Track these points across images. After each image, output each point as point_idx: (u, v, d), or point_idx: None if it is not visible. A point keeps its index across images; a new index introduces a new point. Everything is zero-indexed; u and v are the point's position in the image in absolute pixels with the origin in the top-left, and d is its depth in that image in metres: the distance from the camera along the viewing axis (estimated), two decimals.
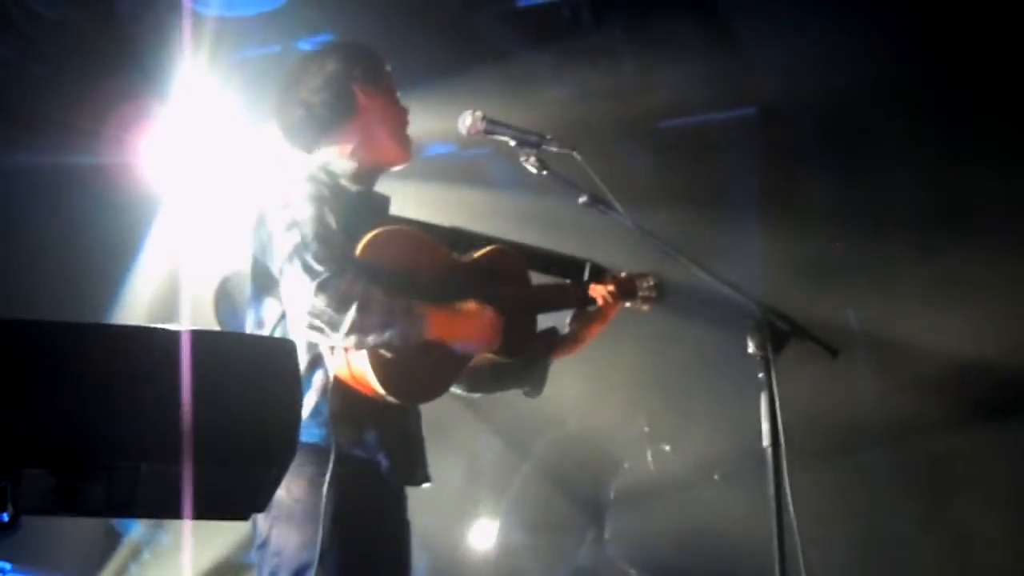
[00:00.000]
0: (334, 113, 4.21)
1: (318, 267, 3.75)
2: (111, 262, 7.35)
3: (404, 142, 4.30)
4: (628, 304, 4.75)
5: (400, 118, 4.31)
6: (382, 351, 3.80)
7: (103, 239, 7.39)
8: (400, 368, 3.85)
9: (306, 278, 3.74)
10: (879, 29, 6.84)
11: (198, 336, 2.34)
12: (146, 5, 7.04)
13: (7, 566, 6.21)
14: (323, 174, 4.07)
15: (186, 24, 6.97)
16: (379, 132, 4.23)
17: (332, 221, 3.88)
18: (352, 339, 3.76)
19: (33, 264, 7.10)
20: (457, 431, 7.86)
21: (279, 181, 4.03)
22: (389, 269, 3.91)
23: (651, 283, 4.76)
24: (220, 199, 7.34)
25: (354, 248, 3.88)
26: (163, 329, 2.41)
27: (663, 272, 4.73)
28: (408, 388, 3.92)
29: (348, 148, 4.19)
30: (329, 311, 3.71)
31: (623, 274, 4.74)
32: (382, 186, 4.32)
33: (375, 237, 3.93)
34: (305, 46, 7.49)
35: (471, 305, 4.07)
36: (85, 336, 2.29)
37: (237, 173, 7.28)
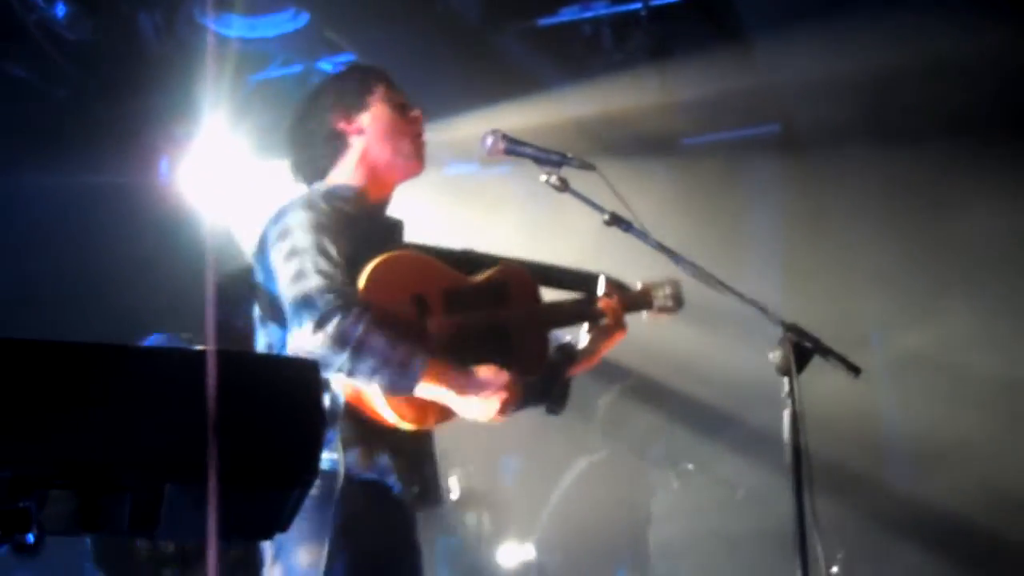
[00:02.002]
0: (326, 157, 4.20)
1: (318, 301, 3.71)
2: (135, 281, 7.37)
3: (410, 154, 4.21)
4: (646, 315, 4.74)
5: (397, 129, 4.21)
6: None
7: (127, 258, 7.42)
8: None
9: (305, 313, 3.72)
10: (902, 46, 6.84)
11: (222, 357, 2.34)
12: (168, 27, 7.08)
13: None
14: (324, 202, 4.02)
15: (208, 45, 7.01)
16: (375, 154, 4.17)
17: (333, 250, 3.84)
18: (339, 376, 3.75)
19: (56, 284, 7.13)
20: (479, 451, 7.86)
21: (279, 209, 4.03)
22: (393, 295, 3.89)
23: (667, 292, 4.73)
24: (242, 216, 7.38)
25: (358, 277, 3.87)
26: (187, 350, 2.42)
27: (684, 290, 4.70)
28: (417, 413, 3.89)
29: (352, 177, 4.18)
30: (323, 350, 3.67)
31: (639, 285, 4.73)
32: (400, 208, 4.31)
33: (377, 267, 3.90)
34: (326, 66, 7.52)
35: (486, 369, 3.95)
36: (109, 356, 2.30)
37: (256, 193, 7.32)
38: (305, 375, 2.47)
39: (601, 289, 4.58)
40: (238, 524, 2.48)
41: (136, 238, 7.47)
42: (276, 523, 2.53)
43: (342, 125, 4.19)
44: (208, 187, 7.54)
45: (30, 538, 2.21)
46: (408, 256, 4.10)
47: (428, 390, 3.81)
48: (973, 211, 7.30)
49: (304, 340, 3.70)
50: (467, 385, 3.88)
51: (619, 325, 4.53)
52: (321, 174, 4.20)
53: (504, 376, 3.94)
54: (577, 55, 7.72)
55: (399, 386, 3.76)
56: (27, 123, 7.41)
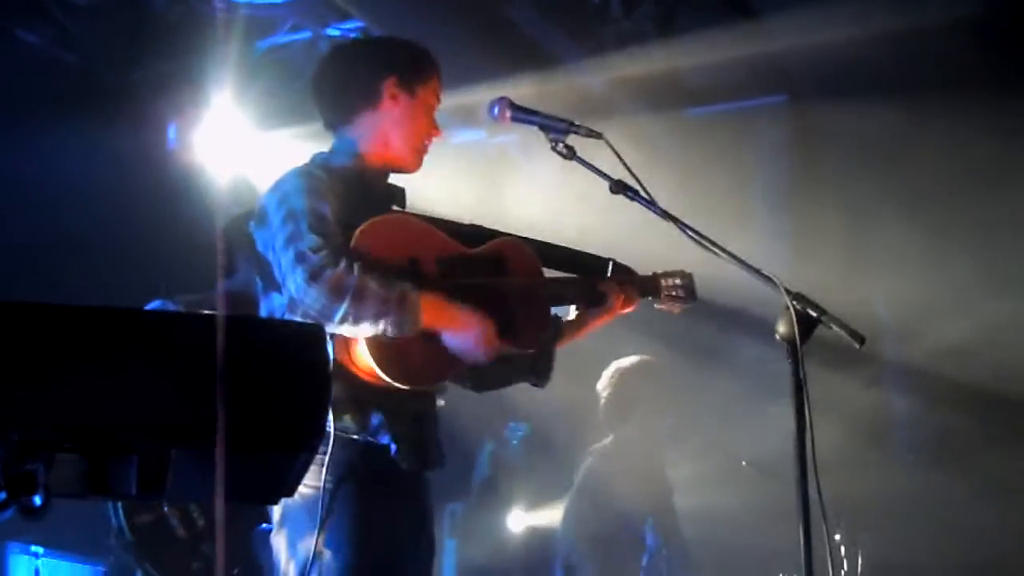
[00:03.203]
0: (357, 101, 4.20)
1: (312, 256, 3.74)
2: (144, 246, 7.39)
3: (414, 151, 4.22)
4: (656, 305, 4.70)
5: (421, 128, 4.22)
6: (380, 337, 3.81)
7: (136, 223, 7.43)
8: (399, 351, 3.84)
9: (299, 269, 3.74)
10: (911, 16, 6.83)
11: (229, 321, 2.36)
12: None
13: (39, 550, 6.25)
14: (320, 171, 4.05)
15: (218, 11, 7.01)
16: (393, 134, 4.18)
17: (328, 212, 3.87)
18: (345, 328, 3.76)
19: (64, 248, 7.14)
20: (486, 417, 7.88)
21: (277, 179, 4.04)
22: (385, 256, 3.89)
23: (677, 282, 4.68)
24: (250, 180, 7.40)
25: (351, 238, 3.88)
26: (196, 315, 2.43)
27: (690, 260, 4.65)
28: (409, 372, 3.88)
29: (361, 138, 4.19)
30: (322, 301, 3.70)
31: (650, 273, 4.68)
32: (406, 176, 4.30)
33: (370, 225, 3.91)
34: (334, 32, 7.52)
35: (473, 306, 4.00)
36: (117, 321, 2.31)
37: (263, 157, 7.33)
38: (311, 339, 2.48)
39: (609, 274, 4.53)
40: (244, 488, 2.50)
41: (144, 204, 7.48)
42: (282, 487, 2.54)
43: (388, 89, 4.19)
44: (216, 152, 7.55)
45: (37, 501, 2.22)
46: (404, 219, 4.10)
47: (426, 322, 3.85)
48: (983, 177, 7.30)
49: (302, 295, 3.72)
50: (456, 313, 3.94)
51: (617, 309, 4.49)
52: (340, 122, 4.22)
53: (491, 322, 3.99)
54: (586, 24, 7.71)
55: (405, 324, 3.79)
56: (37, 89, 7.42)
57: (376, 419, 3.92)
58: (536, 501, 7.50)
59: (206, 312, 2.34)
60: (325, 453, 3.80)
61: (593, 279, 4.49)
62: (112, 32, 7.40)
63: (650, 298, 4.67)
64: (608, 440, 7.23)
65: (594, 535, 6.93)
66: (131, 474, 2.35)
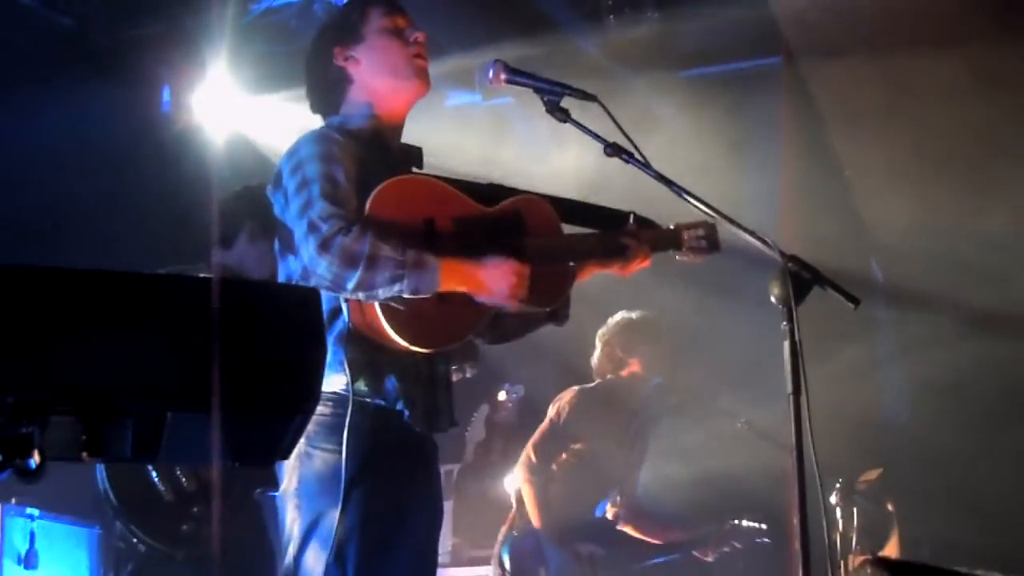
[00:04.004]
0: (335, 85, 4.22)
1: (322, 225, 3.74)
2: (137, 210, 7.39)
3: (409, 75, 4.20)
4: (677, 256, 4.68)
5: (394, 52, 4.21)
6: (393, 301, 3.80)
7: (129, 187, 7.43)
8: (414, 316, 3.83)
9: (311, 238, 3.74)
10: None
11: (224, 284, 2.36)
12: None
13: (36, 512, 6.26)
14: (337, 133, 4.05)
15: None
16: (378, 83, 4.19)
17: (342, 178, 3.86)
18: (360, 295, 3.77)
19: (56, 212, 7.14)
20: (481, 378, 7.88)
21: (293, 143, 4.04)
22: (401, 218, 3.89)
23: (700, 233, 4.62)
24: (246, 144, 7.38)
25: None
26: (191, 277, 2.43)
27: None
28: (424, 335, 3.88)
29: (363, 107, 4.19)
30: (334, 270, 3.70)
31: (671, 226, 4.63)
32: (416, 139, 4.30)
33: (385, 186, 3.90)
34: None
35: (492, 257, 3.98)
36: (112, 283, 2.31)
37: (258, 121, 7.32)
38: (306, 302, 2.48)
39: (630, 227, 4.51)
40: (239, 451, 2.50)
41: (139, 167, 7.48)
42: (277, 450, 2.55)
43: (341, 61, 4.20)
44: (210, 115, 7.54)
45: (32, 463, 2.23)
46: (421, 180, 4.09)
47: (447, 284, 3.85)
48: (981, 136, 7.30)
49: (314, 265, 3.73)
50: (477, 270, 3.93)
51: (636, 262, 4.47)
52: (334, 109, 4.23)
53: (513, 260, 3.98)
54: None
55: (424, 285, 3.79)
56: (32, 51, 7.40)
57: (391, 382, 3.93)
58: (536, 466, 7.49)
59: (201, 275, 2.35)
60: (343, 416, 3.82)
61: (615, 234, 4.46)
62: None
63: (671, 251, 4.65)
64: (593, 384, 7.27)
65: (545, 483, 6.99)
66: (126, 437, 2.36)
